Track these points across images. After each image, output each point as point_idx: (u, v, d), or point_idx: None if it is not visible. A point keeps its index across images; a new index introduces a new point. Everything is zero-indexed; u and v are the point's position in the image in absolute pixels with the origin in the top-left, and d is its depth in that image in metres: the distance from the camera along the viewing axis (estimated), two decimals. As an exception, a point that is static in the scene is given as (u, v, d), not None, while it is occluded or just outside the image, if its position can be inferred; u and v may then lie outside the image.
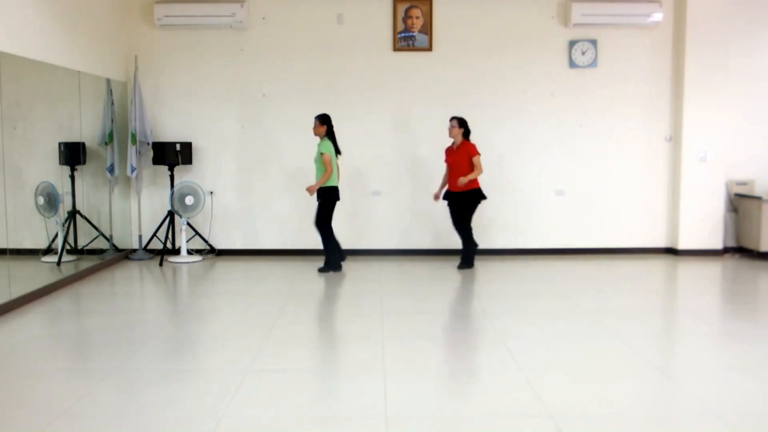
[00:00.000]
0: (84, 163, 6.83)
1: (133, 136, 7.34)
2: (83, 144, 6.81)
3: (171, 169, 7.59)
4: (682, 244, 7.79)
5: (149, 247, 7.73)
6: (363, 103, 7.73)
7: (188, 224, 7.52)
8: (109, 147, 7.27)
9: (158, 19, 7.39)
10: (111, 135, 7.25)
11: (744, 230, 7.83)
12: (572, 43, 7.70)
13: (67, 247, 6.58)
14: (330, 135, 6.68)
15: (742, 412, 3.41)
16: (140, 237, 7.71)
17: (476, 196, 6.81)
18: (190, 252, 7.59)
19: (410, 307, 5.61)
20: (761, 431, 3.23)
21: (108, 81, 7.25)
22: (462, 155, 6.75)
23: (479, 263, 7.14)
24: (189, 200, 7.35)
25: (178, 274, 6.99)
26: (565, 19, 7.65)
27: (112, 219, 7.41)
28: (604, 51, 7.72)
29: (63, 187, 6.50)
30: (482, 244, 7.33)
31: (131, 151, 7.37)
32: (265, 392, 3.68)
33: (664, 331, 5.11)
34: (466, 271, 6.91)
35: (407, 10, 7.63)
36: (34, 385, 3.79)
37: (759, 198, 7.53)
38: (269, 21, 7.67)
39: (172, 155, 7.45)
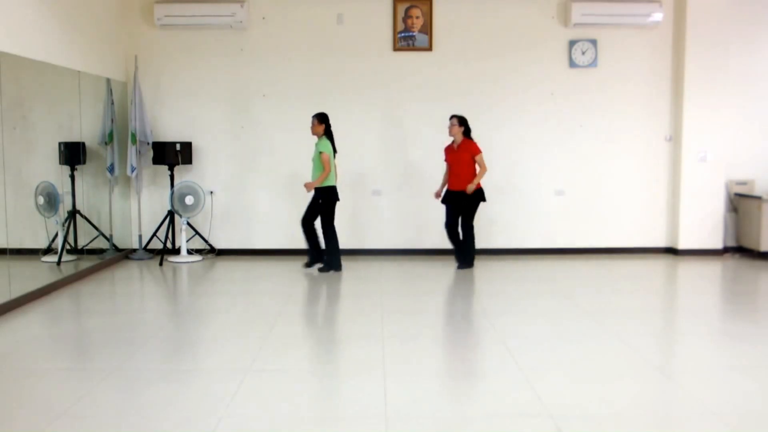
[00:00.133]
0: (84, 162, 6.83)
1: (133, 135, 7.34)
2: (83, 144, 6.81)
3: (171, 169, 7.59)
4: (682, 244, 7.79)
5: (149, 246, 7.73)
6: (363, 103, 7.73)
7: (188, 224, 7.52)
8: (109, 147, 7.27)
9: (158, 19, 7.39)
10: (111, 135, 7.25)
11: (744, 230, 7.83)
12: (572, 43, 7.70)
13: (67, 246, 6.58)
14: (328, 134, 6.67)
15: (742, 412, 3.41)
16: (140, 237, 7.71)
17: (478, 195, 6.79)
18: (190, 252, 7.59)
19: (410, 307, 5.61)
20: (761, 431, 3.23)
21: (108, 81, 7.25)
22: (463, 154, 6.74)
23: (479, 263, 7.14)
24: (189, 200, 7.35)
25: (178, 273, 6.99)
26: (565, 19, 7.65)
27: (112, 219, 7.41)
28: (604, 51, 7.72)
29: (63, 186, 6.50)
30: (482, 244, 7.33)
31: (131, 150, 7.37)
32: (265, 392, 3.68)
33: (664, 331, 5.11)
34: (466, 270, 6.91)
35: (407, 10, 7.63)
36: (34, 385, 3.79)
37: (759, 198, 7.53)
38: (269, 21, 7.67)
39: (172, 155, 7.45)
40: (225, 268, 7.21)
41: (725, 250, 7.89)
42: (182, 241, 7.51)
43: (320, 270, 6.83)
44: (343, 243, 7.05)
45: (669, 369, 4.14)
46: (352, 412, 3.44)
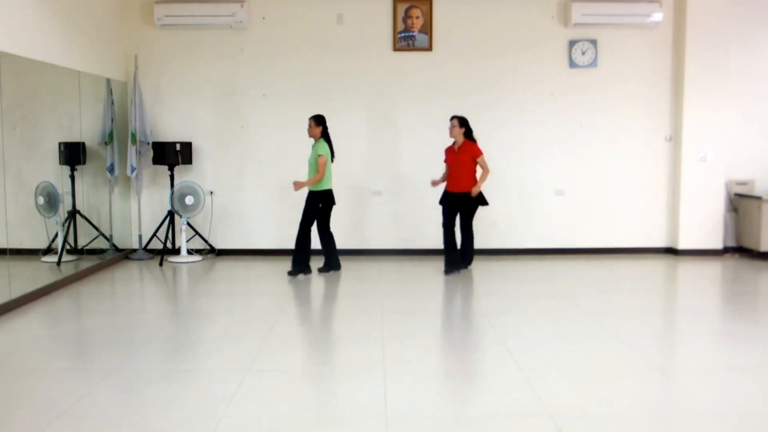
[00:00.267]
0: (84, 163, 6.83)
1: (133, 136, 7.34)
2: (83, 144, 6.81)
3: (171, 169, 7.59)
4: (682, 244, 7.79)
5: (149, 247, 7.73)
6: (363, 103, 7.73)
7: (188, 224, 7.52)
8: (109, 147, 7.27)
9: (158, 19, 7.39)
10: (111, 135, 7.25)
11: (744, 230, 7.83)
12: (572, 43, 7.70)
13: (67, 247, 6.58)
14: (325, 137, 6.57)
15: (742, 412, 3.41)
16: (140, 237, 7.71)
17: (479, 199, 6.74)
18: (190, 252, 7.59)
19: (410, 307, 5.61)
20: (761, 431, 3.23)
21: (108, 81, 7.25)
22: (463, 156, 6.68)
23: (479, 263, 7.13)
24: (189, 200, 7.35)
25: (178, 274, 6.99)
26: (565, 19, 7.66)
27: (112, 219, 7.41)
28: (604, 51, 7.72)
29: (63, 187, 6.50)
30: (482, 244, 7.33)
31: (131, 151, 7.37)
32: (265, 392, 3.68)
33: (664, 331, 5.11)
34: (466, 270, 6.91)
35: (407, 10, 7.63)
36: (34, 385, 3.79)
37: (759, 198, 7.53)
38: (269, 21, 7.67)
39: (172, 155, 7.45)
40: (225, 268, 7.21)
41: (725, 250, 7.89)
42: (182, 241, 7.51)
43: (320, 270, 6.81)
44: (344, 243, 7.05)
45: (669, 369, 4.14)
46: (352, 412, 3.44)
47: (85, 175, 6.88)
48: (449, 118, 6.86)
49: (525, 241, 7.90)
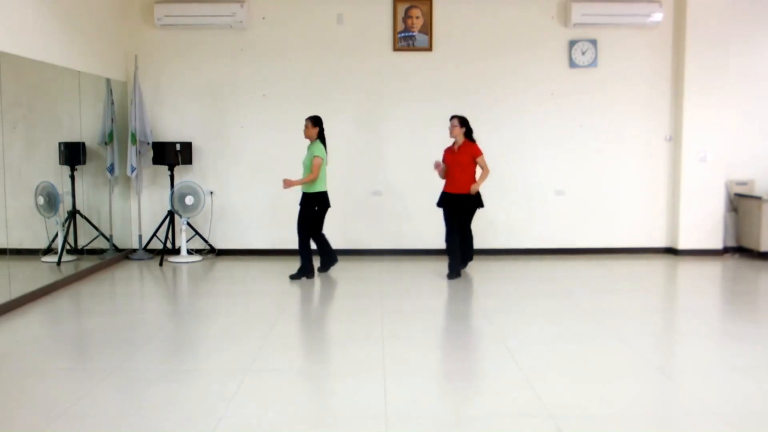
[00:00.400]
0: (84, 163, 6.83)
1: (133, 136, 7.34)
2: (83, 144, 6.81)
3: (171, 169, 7.59)
4: (682, 244, 7.79)
5: (149, 247, 7.73)
6: (363, 103, 7.73)
7: (188, 224, 7.52)
8: (109, 147, 7.27)
9: (158, 19, 7.39)
10: (111, 135, 7.25)
11: (744, 230, 7.83)
12: (572, 43, 7.70)
13: (67, 247, 6.58)
14: (321, 138, 6.49)
15: (742, 412, 3.41)
16: (140, 237, 7.71)
17: (476, 201, 6.71)
18: (190, 252, 7.59)
19: (410, 307, 5.61)
20: (761, 431, 3.23)
21: (108, 81, 7.25)
22: (462, 156, 6.64)
23: (479, 263, 7.13)
24: (189, 200, 7.35)
25: (178, 274, 6.99)
26: (565, 19, 7.66)
27: (112, 219, 7.41)
28: (604, 51, 7.72)
29: (63, 187, 6.50)
30: (481, 244, 7.33)
31: (131, 151, 7.37)
32: (265, 392, 3.68)
33: (664, 331, 5.11)
34: (464, 270, 6.90)
35: (407, 10, 7.63)
36: (34, 385, 3.79)
37: (759, 198, 7.53)
38: (269, 21, 7.67)
39: (172, 155, 7.45)
40: (225, 268, 7.21)
41: (725, 250, 7.89)
42: (182, 241, 7.51)
43: (318, 270, 6.76)
44: (343, 243, 7.05)
45: (669, 369, 4.14)
46: (351, 412, 3.44)
47: (85, 175, 6.88)
48: (449, 117, 6.86)
49: (525, 241, 7.90)
